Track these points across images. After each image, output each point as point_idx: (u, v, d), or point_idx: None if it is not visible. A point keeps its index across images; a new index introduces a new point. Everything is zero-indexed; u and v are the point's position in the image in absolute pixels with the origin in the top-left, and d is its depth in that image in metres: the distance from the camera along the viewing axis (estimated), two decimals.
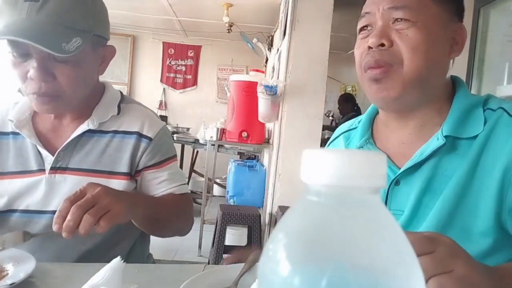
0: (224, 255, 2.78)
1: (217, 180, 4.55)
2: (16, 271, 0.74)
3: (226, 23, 4.43)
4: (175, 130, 4.45)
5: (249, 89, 3.13)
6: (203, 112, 5.74)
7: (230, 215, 2.79)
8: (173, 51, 5.89)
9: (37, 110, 0.94)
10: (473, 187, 0.67)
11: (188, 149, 4.58)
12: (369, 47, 0.72)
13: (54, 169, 0.96)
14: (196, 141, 4.03)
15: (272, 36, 4.57)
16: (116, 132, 1.01)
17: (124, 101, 1.07)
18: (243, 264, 0.79)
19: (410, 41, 0.69)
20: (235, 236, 2.79)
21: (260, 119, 3.05)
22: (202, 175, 4.53)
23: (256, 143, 3.30)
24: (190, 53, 5.90)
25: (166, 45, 5.87)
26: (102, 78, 1.08)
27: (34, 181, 0.96)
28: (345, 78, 5.82)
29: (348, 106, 5.08)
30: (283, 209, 2.69)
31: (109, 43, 1.01)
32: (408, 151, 0.74)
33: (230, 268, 0.79)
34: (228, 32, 4.66)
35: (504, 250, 0.67)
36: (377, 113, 0.85)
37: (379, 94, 0.73)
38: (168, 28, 5.49)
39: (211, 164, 3.92)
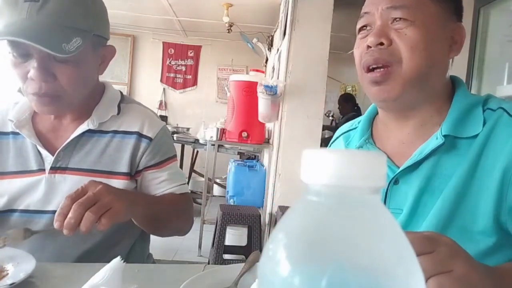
0: (226, 255, 2.78)
1: (217, 180, 4.55)
2: (16, 271, 0.74)
3: (226, 23, 4.43)
4: (175, 130, 4.45)
5: (249, 89, 3.13)
6: (203, 112, 5.74)
7: (230, 215, 2.79)
8: (173, 51, 5.89)
9: (37, 110, 0.94)
10: (473, 187, 0.68)
11: (188, 149, 4.58)
12: (368, 46, 0.72)
13: (54, 169, 0.96)
14: (196, 141, 4.03)
15: (272, 36, 4.57)
16: (116, 132, 1.01)
17: (124, 101, 1.07)
18: (243, 264, 0.79)
19: (409, 40, 0.70)
20: (235, 236, 2.79)
21: (260, 119, 3.05)
22: (202, 175, 4.53)
23: (256, 143, 3.30)
24: (190, 53, 5.90)
25: (166, 45, 5.87)
26: (102, 78, 1.08)
27: (34, 181, 0.96)
28: (345, 78, 5.82)
29: (348, 106, 5.08)
30: (283, 209, 2.69)
31: (109, 43, 1.01)
32: (407, 151, 0.75)
33: (230, 268, 0.79)
34: (228, 32, 4.66)
35: (505, 250, 0.67)
36: (377, 113, 0.86)
37: (380, 96, 0.73)
38: (168, 28, 5.49)
39: (211, 164, 3.92)
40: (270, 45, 4.48)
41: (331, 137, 1.02)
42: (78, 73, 0.91)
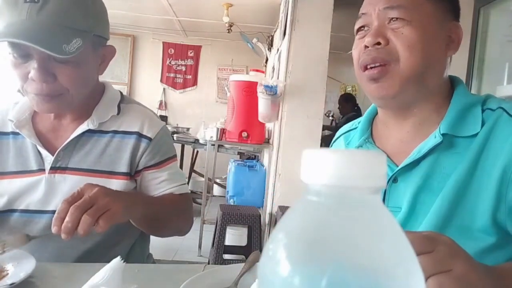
0: (226, 255, 2.78)
1: (217, 180, 4.55)
2: (16, 271, 0.74)
3: (226, 23, 4.43)
4: (175, 130, 4.45)
5: (249, 89, 3.13)
6: (203, 112, 5.74)
7: (230, 215, 2.79)
8: (173, 51, 5.89)
9: (38, 110, 0.94)
10: (472, 186, 0.68)
11: (188, 149, 4.58)
12: (366, 46, 0.73)
13: (54, 169, 0.96)
14: (196, 141, 4.03)
15: (272, 36, 4.57)
16: (116, 132, 1.01)
17: (124, 101, 1.07)
18: (243, 264, 0.79)
19: (405, 39, 0.71)
20: (235, 236, 2.79)
21: (260, 119, 3.05)
22: (202, 175, 4.53)
23: (256, 143, 3.30)
24: (190, 53, 5.90)
25: (166, 45, 5.87)
26: (102, 78, 1.08)
27: (34, 181, 0.96)
28: (345, 78, 5.81)
29: (348, 106, 5.08)
30: (283, 209, 2.69)
31: (109, 43, 1.01)
32: (406, 149, 0.75)
33: (230, 268, 0.79)
34: (228, 32, 4.66)
35: (505, 248, 0.67)
36: (377, 113, 0.86)
37: (378, 93, 0.74)
38: (168, 28, 5.49)
39: (211, 164, 3.92)
40: (270, 45, 4.48)
41: (330, 135, 1.02)
42: (78, 73, 0.91)
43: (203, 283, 0.72)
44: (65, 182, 0.96)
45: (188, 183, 3.58)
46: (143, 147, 1.00)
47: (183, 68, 5.92)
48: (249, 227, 2.81)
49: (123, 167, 0.99)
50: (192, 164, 4.92)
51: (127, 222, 0.90)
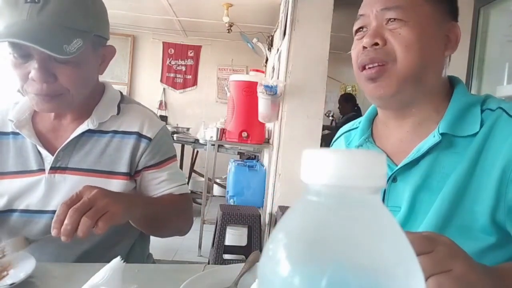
0: (226, 255, 2.78)
1: (217, 180, 4.55)
2: (16, 271, 0.74)
3: (226, 23, 4.43)
4: (175, 130, 4.45)
5: (249, 89, 3.13)
6: (203, 112, 5.74)
7: (230, 215, 2.78)
8: (173, 51, 5.89)
9: (38, 109, 0.94)
10: (472, 186, 0.68)
11: (188, 149, 4.58)
12: (364, 47, 0.74)
13: (54, 169, 0.96)
14: (196, 141, 4.03)
15: (272, 36, 4.57)
16: (115, 132, 1.01)
17: (124, 101, 1.07)
18: (243, 264, 0.79)
19: (403, 39, 0.71)
20: (235, 236, 2.79)
21: (260, 119, 3.05)
22: (202, 175, 4.53)
23: (256, 143, 3.30)
24: (190, 53, 5.90)
25: (166, 45, 5.87)
26: (102, 78, 1.08)
27: (34, 181, 0.96)
28: (345, 78, 5.81)
29: (348, 106, 5.08)
30: (283, 209, 2.69)
31: (109, 43, 1.02)
32: (406, 149, 0.76)
33: (230, 268, 0.79)
34: (228, 32, 4.66)
35: (505, 248, 0.67)
36: (377, 113, 0.86)
37: (376, 93, 0.75)
38: (168, 28, 5.49)
39: (211, 164, 3.92)
40: (270, 45, 4.48)
41: (329, 134, 1.03)
42: (78, 74, 0.91)
43: (203, 283, 0.72)
44: (65, 182, 0.96)
45: (188, 183, 3.58)
46: (143, 147, 1.00)
47: (183, 68, 5.92)
48: (249, 227, 2.81)
49: (123, 167, 0.99)
50: (192, 164, 4.92)
51: (126, 222, 0.90)
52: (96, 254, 0.97)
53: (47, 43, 0.81)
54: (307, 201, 0.25)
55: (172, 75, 5.91)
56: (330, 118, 5.55)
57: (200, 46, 5.88)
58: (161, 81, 5.90)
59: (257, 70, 3.44)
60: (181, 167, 3.90)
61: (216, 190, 4.54)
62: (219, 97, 5.87)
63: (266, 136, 3.48)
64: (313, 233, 0.24)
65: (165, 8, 4.48)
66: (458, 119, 0.72)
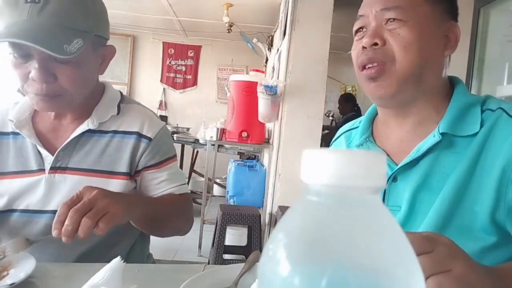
0: (226, 255, 2.78)
1: (217, 180, 4.55)
2: (16, 271, 0.74)
3: (226, 23, 4.43)
4: (175, 130, 4.45)
5: (249, 89, 3.13)
6: (203, 112, 5.74)
7: (230, 215, 2.78)
8: (173, 51, 5.89)
9: (38, 108, 0.94)
10: (472, 186, 0.68)
11: (188, 149, 4.58)
12: (364, 47, 0.74)
13: (54, 169, 0.96)
14: (196, 141, 4.03)
15: (272, 36, 4.57)
16: (115, 132, 1.01)
17: (124, 101, 1.07)
18: (243, 264, 0.79)
19: (402, 40, 0.71)
20: (235, 236, 2.79)
21: (260, 119, 3.05)
22: (202, 175, 4.53)
23: (256, 143, 3.30)
24: (190, 53, 5.90)
25: (166, 45, 5.87)
26: (102, 78, 1.08)
27: (34, 181, 0.96)
28: (345, 78, 5.81)
29: (348, 106, 5.08)
30: (283, 209, 2.69)
31: (109, 43, 1.02)
32: (406, 148, 0.76)
33: (230, 268, 0.79)
34: (228, 32, 4.66)
35: (505, 248, 0.67)
36: (377, 113, 0.87)
37: (376, 93, 0.75)
38: (168, 28, 5.49)
39: (211, 164, 3.92)
40: (270, 45, 4.48)
41: (328, 134, 1.03)
42: (78, 74, 0.91)
43: (203, 283, 0.72)
44: (65, 182, 0.96)
45: (188, 183, 3.58)
46: (143, 147, 1.00)
47: (183, 68, 5.92)
48: (249, 227, 2.81)
49: (123, 167, 0.99)
50: (192, 164, 4.92)
51: (127, 223, 0.90)
52: (96, 254, 0.97)
53: (48, 43, 0.81)
54: (307, 201, 0.25)
55: (172, 75, 5.91)
56: (330, 118, 5.54)
57: (200, 46, 5.88)
58: (161, 81, 5.90)
59: (257, 70, 3.44)
60: (181, 167, 3.90)
61: (216, 190, 4.54)
62: (219, 97, 5.87)
63: (266, 136, 3.48)
64: (313, 233, 0.24)
65: (165, 8, 4.48)
66: (458, 119, 0.72)
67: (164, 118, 5.49)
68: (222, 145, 3.64)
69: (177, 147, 3.95)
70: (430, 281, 0.46)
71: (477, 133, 0.70)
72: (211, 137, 3.39)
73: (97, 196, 0.76)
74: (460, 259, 0.48)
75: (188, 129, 4.70)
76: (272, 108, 2.93)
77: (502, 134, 0.68)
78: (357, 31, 0.79)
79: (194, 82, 5.94)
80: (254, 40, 4.14)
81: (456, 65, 0.79)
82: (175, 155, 1.08)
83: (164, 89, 5.91)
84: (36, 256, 0.79)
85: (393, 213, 0.74)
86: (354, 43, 0.79)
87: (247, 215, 2.79)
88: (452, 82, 0.80)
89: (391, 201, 0.76)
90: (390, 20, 0.73)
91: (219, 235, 2.76)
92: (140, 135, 1.01)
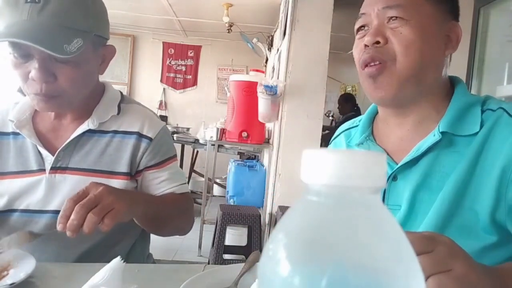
0: (226, 255, 2.78)
1: (217, 180, 4.55)
2: (16, 271, 0.74)
3: (226, 23, 4.43)
4: (175, 130, 4.45)
5: (249, 89, 3.13)
6: (203, 112, 5.74)
7: (230, 215, 2.78)
8: (173, 51, 5.89)
9: (39, 108, 0.94)
10: (472, 185, 0.68)
11: (188, 149, 4.58)
12: (365, 45, 0.74)
13: (54, 169, 0.96)
14: (196, 141, 4.02)
15: (272, 36, 4.57)
16: (116, 132, 1.01)
17: (124, 101, 1.07)
18: (243, 264, 0.79)
19: (403, 39, 0.71)
20: (235, 236, 2.79)
21: (260, 119, 3.05)
22: (202, 175, 4.53)
23: (256, 143, 3.30)
24: (190, 53, 5.90)
25: (166, 45, 5.87)
26: (102, 78, 1.08)
27: (34, 181, 0.96)
28: (345, 78, 5.82)
29: (348, 106, 5.08)
30: (283, 209, 2.69)
31: (109, 43, 1.02)
32: (406, 147, 0.76)
33: (230, 268, 0.79)
34: (228, 32, 4.66)
35: (506, 247, 0.67)
36: (377, 112, 0.86)
37: (377, 95, 0.75)
38: (168, 28, 5.49)
39: (211, 164, 3.92)
40: (270, 45, 4.48)
41: (328, 134, 1.03)
42: (78, 73, 0.91)
43: (203, 283, 0.72)
44: (66, 182, 0.96)
45: (188, 183, 3.57)
46: (143, 147, 1.00)
47: (183, 68, 5.92)
48: (249, 227, 2.81)
49: (123, 167, 0.99)
50: (192, 164, 4.92)
51: (127, 221, 0.90)
52: (96, 254, 0.97)
53: (48, 43, 0.82)
54: (307, 201, 0.25)
55: (172, 75, 5.91)
56: (330, 118, 5.54)
57: (200, 46, 5.88)
58: (161, 81, 5.90)
59: (257, 70, 3.44)
60: (181, 167, 3.88)
61: (216, 190, 4.54)
62: (219, 97, 5.87)
63: (266, 136, 3.48)
64: (313, 233, 0.24)
65: (165, 8, 4.48)
66: (458, 118, 0.72)
67: (164, 118, 5.49)
68: (222, 145, 3.64)
69: (177, 147, 3.94)
70: (430, 281, 0.46)
71: (477, 133, 0.70)
72: (211, 137, 3.39)
73: (103, 192, 0.76)
74: (461, 259, 0.48)
75: (188, 129, 4.70)
76: (272, 108, 2.94)
77: (503, 134, 0.68)
78: (358, 29, 0.79)
79: (194, 82, 5.94)
80: (254, 40, 4.14)
81: (456, 65, 0.79)
82: (175, 155, 1.08)
83: (164, 89, 5.91)
84: (36, 256, 0.79)
85: (393, 212, 0.74)
86: (356, 41, 0.79)
87: (247, 215, 2.79)
88: (453, 82, 0.80)
89: (391, 200, 0.76)
90: (392, 18, 0.72)
91: (219, 235, 2.76)
92: (140, 135, 1.01)
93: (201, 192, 3.63)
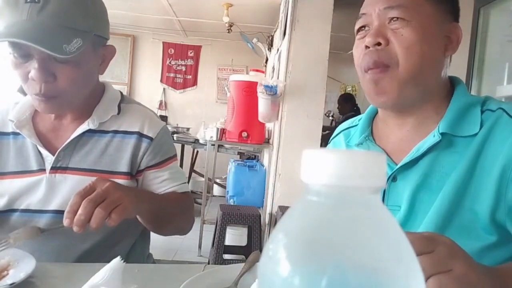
0: (226, 255, 2.78)
1: (217, 180, 4.55)
2: (16, 271, 0.74)
3: (226, 23, 4.43)
4: (175, 130, 4.45)
5: (249, 89, 3.13)
6: (203, 112, 5.74)
7: (230, 215, 2.78)
8: (173, 51, 5.89)
9: (40, 110, 0.94)
10: (472, 185, 0.68)
11: (188, 149, 4.58)
12: (366, 47, 0.74)
13: (55, 169, 0.96)
14: (196, 141, 4.02)
15: (272, 36, 4.57)
16: (116, 132, 1.01)
17: (124, 101, 1.07)
18: (243, 264, 0.79)
19: (405, 41, 0.71)
20: (235, 236, 2.79)
21: (260, 119, 3.05)
22: (202, 175, 4.53)
23: (256, 143, 3.30)
24: (190, 53, 5.90)
25: (166, 45, 5.87)
26: (102, 78, 1.08)
27: (35, 181, 0.96)
28: (345, 78, 5.82)
29: (348, 106, 5.08)
30: (283, 209, 2.69)
31: (109, 43, 1.02)
32: (406, 148, 0.76)
33: (230, 268, 0.79)
34: (228, 32, 4.66)
35: (506, 247, 0.67)
36: (377, 112, 0.86)
37: (378, 100, 0.75)
38: (168, 28, 5.49)
39: (211, 164, 3.92)
40: (270, 45, 4.48)
41: (329, 134, 1.02)
42: (78, 73, 0.92)
43: (203, 283, 0.72)
44: (66, 182, 0.96)
45: (188, 183, 3.56)
46: (144, 147, 1.01)
47: (183, 68, 5.92)
48: (249, 227, 2.81)
49: (124, 167, 0.99)
50: (192, 164, 4.92)
51: (127, 221, 0.90)
52: (96, 254, 0.97)
53: (47, 42, 0.82)
54: (307, 201, 0.25)
55: (172, 75, 5.91)
56: (330, 118, 5.54)
57: (200, 46, 5.88)
58: (161, 81, 5.90)
59: (257, 70, 3.44)
60: (181, 167, 3.87)
61: (216, 190, 4.54)
62: (219, 97, 5.87)
63: (266, 136, 3.48)
64: (313, 233, 0.24)
65: (165, 8, 4.48)
66: (458, 119, 0.72)
67: (164, 118, 5.49)
68: (222, 145, 3.64)
69: (177, 147, 3.94)
70: (431, 281, 0.46)
71: (477, 133, 0.70)
72: (211, 137, 3.39)
73: (110, 188, 0.76)
74: (461, 259, 0.47)
75: (188, 129, 4.70)
76: (272, 108, 2.94)
77: (503, 134, 0.68)
78: (359, 29, 0.78)
79: (194, 82, 5.94)
80: (254, 40, 4.14)
81: (456, 65, 0.79)
82: (175, 155, 1.09)
83: (164, 89, 5.91)
84: (36, 256, 0.79)
85: (393, 212, 0.74)
86: (356, 41, 0.78)
87: (247, 215, 2.79)
88: (453, 82, 0.79)
89: (390, 201, 0.76)
90: (393, 19, 0.72)
91: (219, 235, 2.76)
92: (141, 135, 1.01)
93: (201, 192, 3.63)
